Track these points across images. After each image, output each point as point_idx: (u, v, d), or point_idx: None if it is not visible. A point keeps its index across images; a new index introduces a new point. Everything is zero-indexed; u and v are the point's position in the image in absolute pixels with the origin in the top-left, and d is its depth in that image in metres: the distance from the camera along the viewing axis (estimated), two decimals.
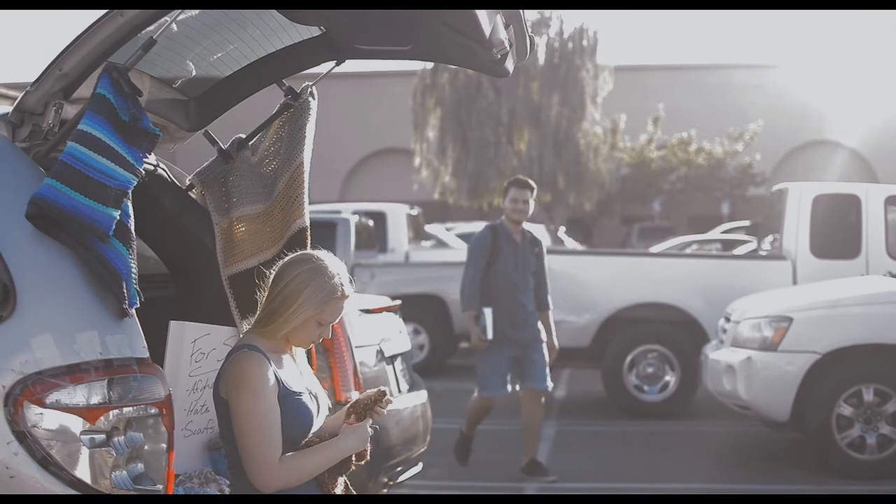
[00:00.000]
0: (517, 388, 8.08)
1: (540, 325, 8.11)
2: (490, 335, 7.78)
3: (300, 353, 3.54)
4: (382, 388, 3.46)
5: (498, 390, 7.97)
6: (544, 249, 8.24)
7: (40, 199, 3.10)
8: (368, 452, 3.44)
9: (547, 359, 8.04)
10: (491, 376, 7.93)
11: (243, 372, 3.27)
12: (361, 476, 3.57)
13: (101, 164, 3.18)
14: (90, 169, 3.16)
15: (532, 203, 7.99)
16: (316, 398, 3.45)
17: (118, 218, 3.20)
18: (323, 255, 3.45)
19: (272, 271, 3.40)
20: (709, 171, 34.95)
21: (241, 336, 3.50)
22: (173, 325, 3.78)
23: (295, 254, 3.46)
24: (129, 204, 3.29)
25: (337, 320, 3.41)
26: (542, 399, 8.13)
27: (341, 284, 3.37)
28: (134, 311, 3.19)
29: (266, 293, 3.39)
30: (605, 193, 33.41)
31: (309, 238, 4.09)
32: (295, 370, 3.44)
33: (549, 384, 8.05)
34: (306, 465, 3.31)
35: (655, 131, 35.13)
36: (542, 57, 29.74)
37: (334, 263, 3.42)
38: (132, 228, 3.28)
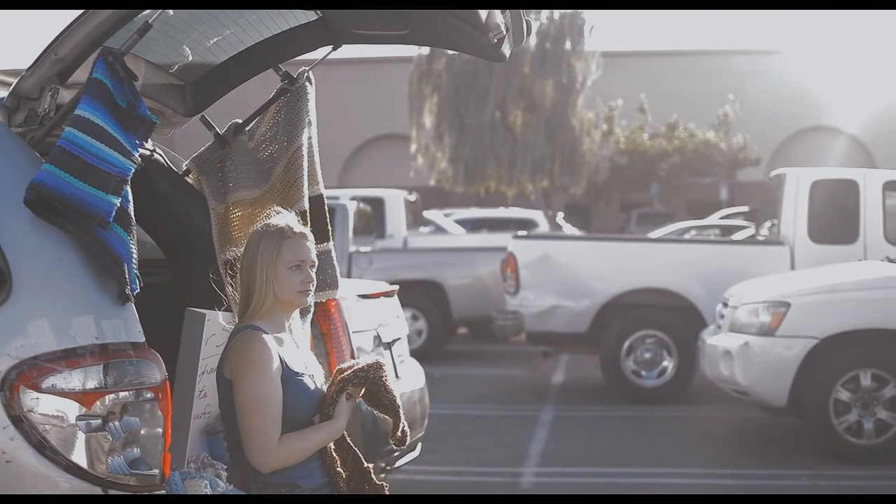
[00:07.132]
0: None
1: None
2: None
3: (296, 328, 3.56)
4: (378, 360, 3.50)
5: None
6: None
7: (39, 185, 3.08)
8: (403, 430, 3.46)
9: None
10: None
11: (248, 352, 3.29)
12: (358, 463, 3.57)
13: (100, 150, 3.17)
14: (89, 155, 3.14)
15: None
16: (313, 378, 3.47)
17: (118, 204, 3.20)
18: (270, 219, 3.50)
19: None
20: (699, 156, 34.83)
21: (237, 323, 3.51)
22: (187, 311, 3.79)
23: None
24: (129, 189, 3.28)
25: (309, 257, 3.43)
26: None
27: (288, 226, 3.43)
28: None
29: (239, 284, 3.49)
30: (601, 179, 33.35)
31: (309, 222, 4.06)
32: (294, 349, 3.46)
33: None
34: (304, 445, 3.35)
35: (645, 118, 35.03)
36: (533, 42, 29.60)
37: (279, 217, 3.48)
38: (132, 213, 3.28)
